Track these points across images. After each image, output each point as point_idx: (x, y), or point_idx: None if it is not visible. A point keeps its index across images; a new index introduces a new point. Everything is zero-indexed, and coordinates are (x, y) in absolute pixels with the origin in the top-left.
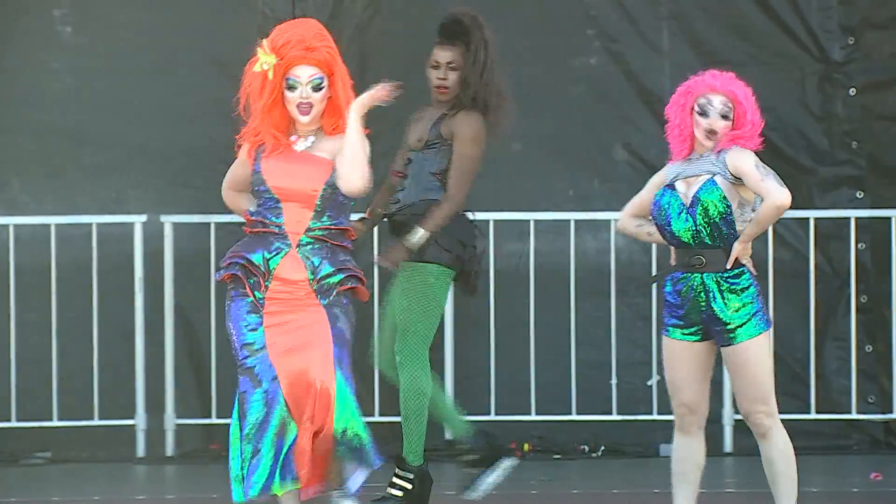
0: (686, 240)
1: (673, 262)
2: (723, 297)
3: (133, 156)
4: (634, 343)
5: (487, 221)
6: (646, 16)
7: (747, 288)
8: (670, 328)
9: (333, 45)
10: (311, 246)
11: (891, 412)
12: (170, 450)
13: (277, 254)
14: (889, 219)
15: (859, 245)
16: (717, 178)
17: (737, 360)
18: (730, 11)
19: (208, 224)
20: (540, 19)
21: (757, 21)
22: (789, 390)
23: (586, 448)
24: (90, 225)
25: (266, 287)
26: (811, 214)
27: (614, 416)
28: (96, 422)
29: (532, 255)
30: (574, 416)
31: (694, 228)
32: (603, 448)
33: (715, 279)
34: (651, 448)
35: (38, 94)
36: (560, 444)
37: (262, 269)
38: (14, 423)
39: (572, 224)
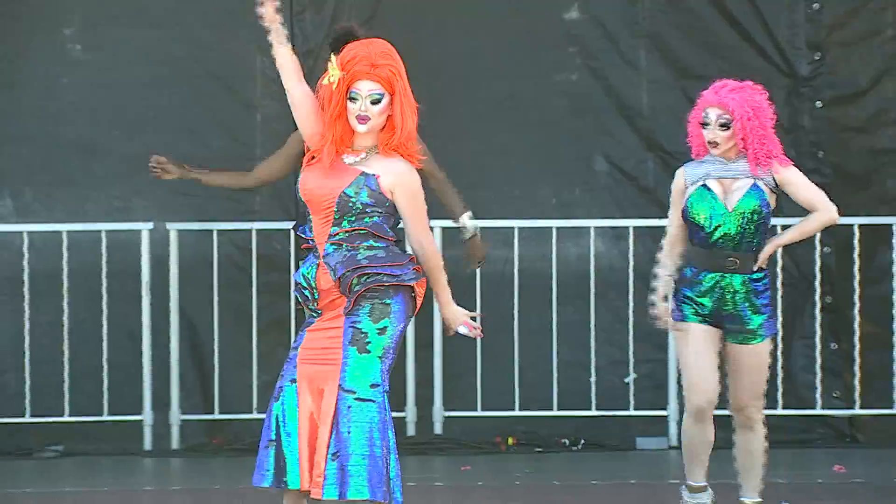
0: (723, 243)
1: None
2: (747, 299)
3: (139, 166)
4: (612, 343)
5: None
6: (624, 35)
7: (766, 290)
8: (690, 313)
9: (398, 66)
10: (333, 251)
11: (854, 407)
12: (175, 444)
13: (312, 266)
14: (852, 225)
15: (824, 249)
16: (762, 185)
17: (750, 359)
18: (703, 30)
19: (211, 231)
20: (525, 38)
21: (728, 39)
22: None
23: (567, 442)
24: (99, 232)
25: (316, 300)
26: (778, 221)
27: (593, 412)
28: (106, 417)
29: (517, 260)
30: (556, 412)
31: (734, 232)
32: (583, 442)
33: (742, 280)
34: (628, 442)
35: (50, 108)
36: (543, 438)
37: (306, 283)
38: (28, 419)
39: (555, 231)
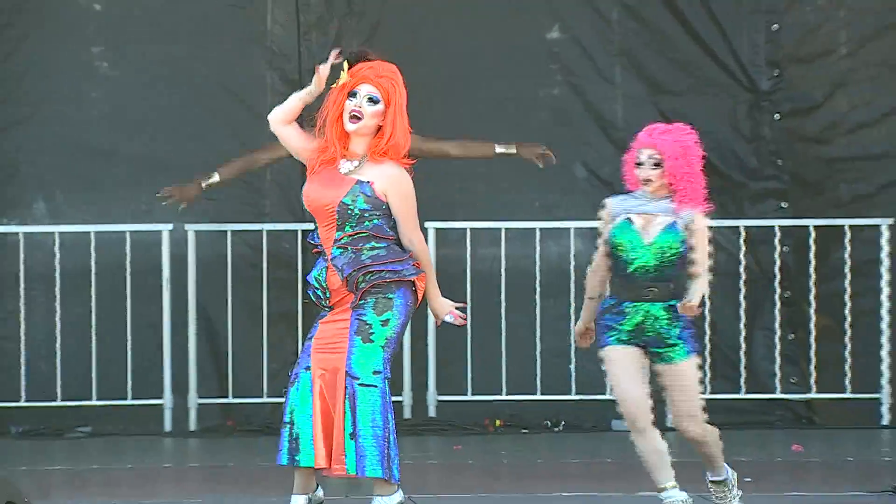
0: (640, 274)
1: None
2: (669, 322)
3: (161, 172)
4: None
5: (465, 229)
6: (600, 53)
7: (681, 315)
8: (613, 339)
9: (400, 85)
10: (339, 254)
11: (810, 392)
12: (192, 425)
13: (321, 269)
14: (808, 227)
15: (783, 248)
16: (680, 224)
17: (676, 378)
18: (672, 49)
19: (225, 232)
20: (511, 56)
21: (696, 57)
22: (723, 373)
23: (549, 423)
24: (124, 232)
25: (327, 298)
26: (742, 223)
27: (573, 396)
28: (129, 401)
29: (503, 258)
30: (539, 396)
31: (652, 264)
32: (563, 423)
33: (661, 307)
34: (605, 424)
35: (79, 120)
36: (527, 421)
37: (318, 284)
38: (59, 403)
39: (538, 232)
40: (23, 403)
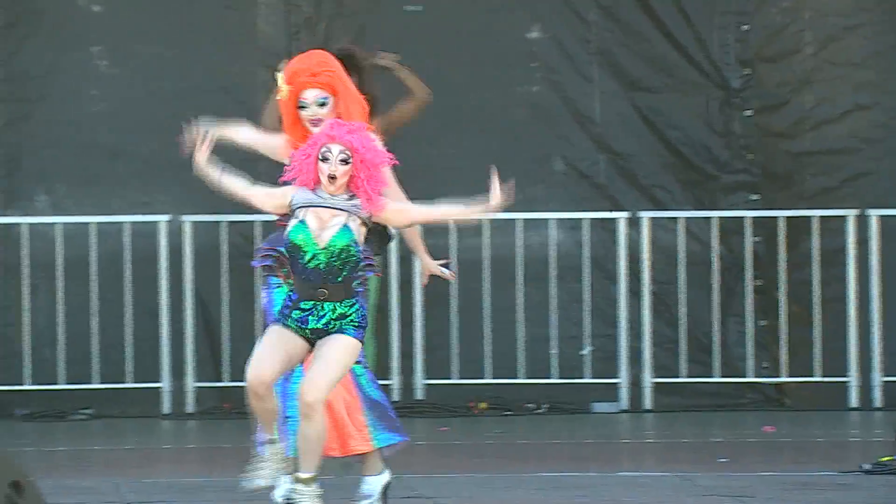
0: (313, 277)
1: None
2: (333, 311)
3: (157, 166)
4: (570, 320)
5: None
6: (579, 52)
7: (359, 309)
8: (289, 319)
9: (335, 70)
10: None
11: (780, 376)
12: (190, 408)
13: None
14: (778, 217)
15: (755, 239)
16: (351, 225)
17: (324, 345)
18: (647, 48)
19: (220, 223)
20: (492, 55)
21: (669, 56)
22: (698, 358)
23: (532, 406)
24: (122, 223)
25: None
26: (714, 214)
27: (555, 380)
28: (129, 384)
29: (487, 248)
30: (521, 380)
31: (324, 268)
32: (545, 406)
33: (332, 306)
34: (584, 406)
35: (79, 117)
36: (510, 403)
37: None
38: (62, 386)
39: (519, 222)
40: (27, 387)
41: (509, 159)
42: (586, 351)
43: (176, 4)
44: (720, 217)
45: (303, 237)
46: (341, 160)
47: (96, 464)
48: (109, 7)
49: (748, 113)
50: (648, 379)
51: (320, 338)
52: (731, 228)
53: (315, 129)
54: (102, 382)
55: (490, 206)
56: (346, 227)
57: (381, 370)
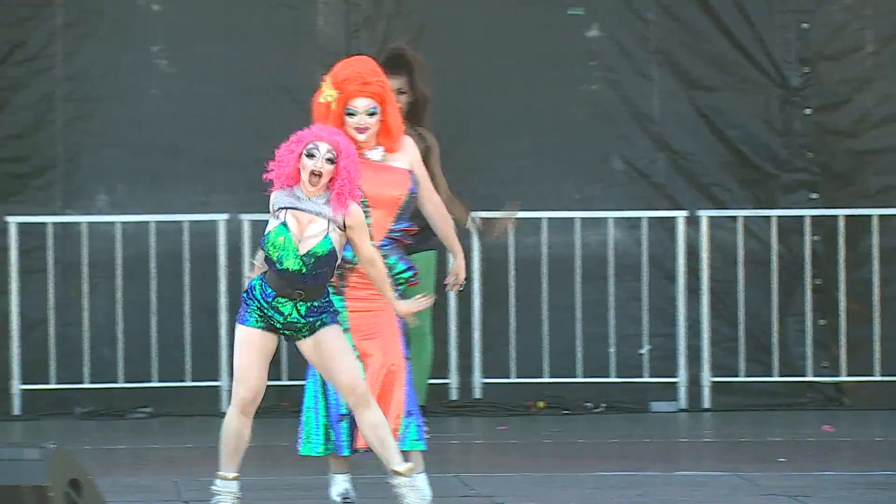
0: (293, 278)
1: (256, 272)
2: (307, 311)
3: (217, 165)
4: (629, 318)
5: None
6: (638, 51)
7: (325, 302)
8: (250, 319)
9: (385, 79)
10: (389, 246)
11: (839, 375)
12: None
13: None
14: (838, 216)
15: (814, 237)
16: (332, 235)
17: (327, 342)
18: (707, 47)
19: None
20: (552, 54)
21: (729, 54)
22: (756, 357)
23: (590, 405)
24: (182, 222)
25: (347, 277)
26: (774, 213)
27: (613, 379)
28: (188, 382)
29: (545, 246)
30: (580, 379)
31: (305, 271)
32: (603, 405)
33: (308, 306)
34: (643, 405)
35: (139, 116)
36: (568, 402)
37: (348, 263)
38: (121, 384)
39: (578, 221)
40: (86, 385)
41: (568, 158)
42: (645, 350)
43: (235, 3)
44: (779, 216)
45: (283, 239)
46: (327, 159)
47: (155, 462)
48: (169, 6)
49: (808, 111)
50: (707, 378)
51: (291, 330)
52: (791, 227)
53: (361, 137)
54: (161, 381)
55: (398, 306)
56: (327, 237)
57: (439, 369)
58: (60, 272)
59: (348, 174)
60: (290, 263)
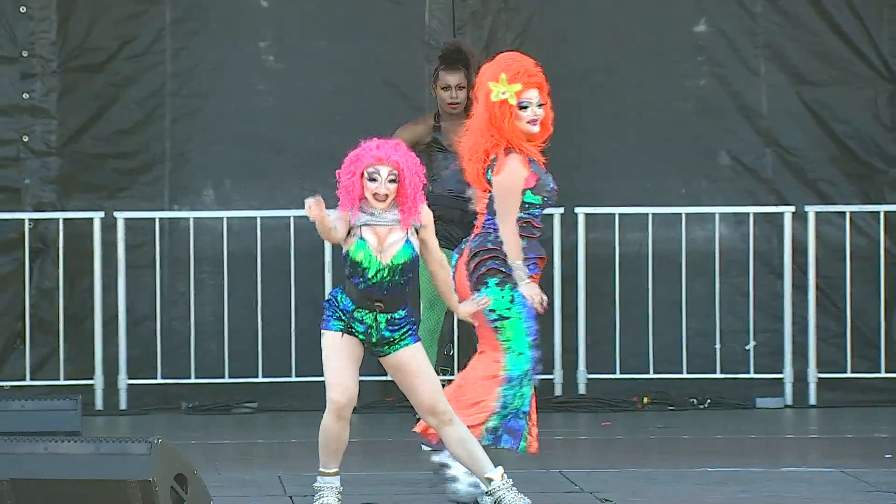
0: (373, 291)
1: None
2: (387, 324)
3: (322, 161)
4: (734, 314)
5: (613, 215)
6: (745, 45)
7: (407, 318)
8: (334, 324)
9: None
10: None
11: None
12: None
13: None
14: None
15: None
16: (412, 239)
17: (409, 363)
18: (815, 42)
19: None
20: (659, 49)
21: (837, 49)
22: (863, 353)
23: (695, 401)
24: (288, 218)
25: None
26: (882, 208)
27: (718, 375)
28: (294, 378)
29: (650, 242)
30: (685, 375)
31: (386, 282)
32: (708, 401)
33: (387, 316)
34: (748, 401)
35: (247, 111)
36: (673, 398)
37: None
38: (227, 380)
39: (683, 217)
40: (192, 380)
41: (675, 153)
42: (751, 346)
43: None
44: (887, 211)
45: (363, 254)
46: (390, 180)
47: (260, 457)
48: (277, 2)
49: None
50: (813, 374)
51: (372, 343)
52: None
53: (534, 129)
54: (267, 376)
55: (460, 308)
56: (408, 242)
57: (544, 365)
58: (167, 267)
59: (413, 185)
60: (373, 276)
